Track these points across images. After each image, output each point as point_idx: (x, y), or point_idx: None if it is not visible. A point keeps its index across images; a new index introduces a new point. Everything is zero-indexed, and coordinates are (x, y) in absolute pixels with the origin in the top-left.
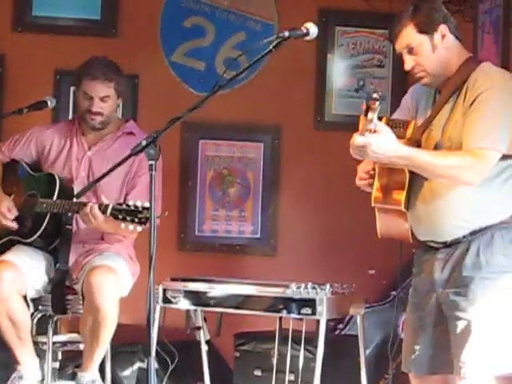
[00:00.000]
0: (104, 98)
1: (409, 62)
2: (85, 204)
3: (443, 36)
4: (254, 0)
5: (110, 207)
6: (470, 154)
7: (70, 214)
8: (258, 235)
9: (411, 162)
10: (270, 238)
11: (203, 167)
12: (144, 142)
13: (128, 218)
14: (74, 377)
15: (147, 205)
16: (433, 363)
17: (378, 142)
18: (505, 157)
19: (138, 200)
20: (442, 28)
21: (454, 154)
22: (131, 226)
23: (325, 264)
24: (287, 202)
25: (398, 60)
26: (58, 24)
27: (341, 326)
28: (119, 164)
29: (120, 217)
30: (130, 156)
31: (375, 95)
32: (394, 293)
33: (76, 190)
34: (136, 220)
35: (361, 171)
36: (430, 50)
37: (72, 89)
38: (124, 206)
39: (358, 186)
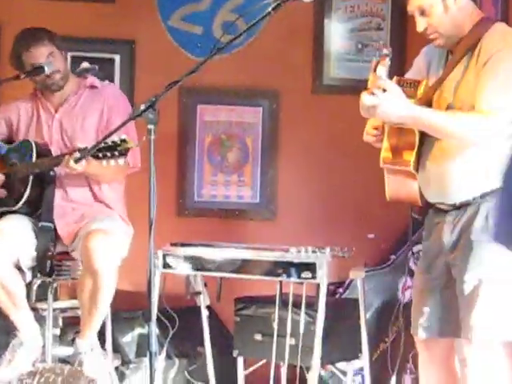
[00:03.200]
0: (49, 55)
1: (421, 24)
2: (65, 154)
3: None
4: None
5: (88, 149)
6: (482, 114)
7: (52, 175)
8: (257, 200)
9: (422, 121)
10: (270, 202)
11: (201, 132)
12: (143, 107)
13: (108, 154)
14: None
15: (123, 136)
16: (441, 326)
17: (388, 101)
18: None
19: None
20: None
21: (465, 114)
22: (112, 161)
23: (324, 228)
24: (286, 167)
25: (397, 23)
26: None
27: (341, 290)
28: (123, 124)
29: (100, 155)
30: (129, 120)
31: (385, 51)
32: (393, 256)
33: (54, 153)
34: (116, 154)
35: (369, 126)
36: (443, 10)
37: (69, 54)
38: (101, 144)
39: (367, 141)
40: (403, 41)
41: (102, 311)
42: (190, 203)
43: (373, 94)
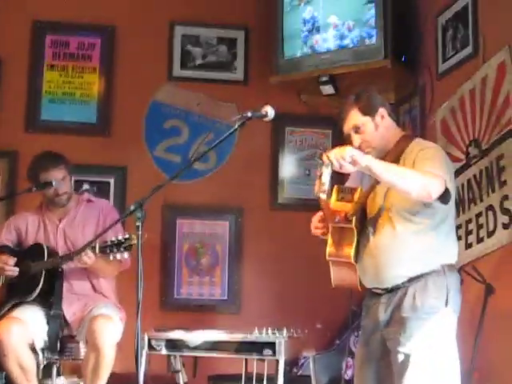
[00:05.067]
0: (62, 179)
1: (356, 140)
2: (78, 251)
3: (382, 117)
4: (220, 107)
5: (98, 246)
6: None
7: (60, 270)
8: (226, 297)
9: (389, 167)
10: (236, 298)
11: (180, 241)
12: (132, 207)
13: (115, 250)
14: None
15: (127, 235)
16: None
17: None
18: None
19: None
20: (381, 110)
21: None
22: (118, 255)
23: (281, 320)
24: (249, 269)
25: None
26: (61, 126)
27: (295, 369)
28: (109, 227)
29: (108, 250)
30: (122, 218)
31: (325, 160)
32: (337, 342)
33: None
34: (122, 249)
35: (314, 221)
36: (373, 128)
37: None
38: (108, 242)
39: (314, 235)
40: None
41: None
42: (171, 300)
43: (320, 195)
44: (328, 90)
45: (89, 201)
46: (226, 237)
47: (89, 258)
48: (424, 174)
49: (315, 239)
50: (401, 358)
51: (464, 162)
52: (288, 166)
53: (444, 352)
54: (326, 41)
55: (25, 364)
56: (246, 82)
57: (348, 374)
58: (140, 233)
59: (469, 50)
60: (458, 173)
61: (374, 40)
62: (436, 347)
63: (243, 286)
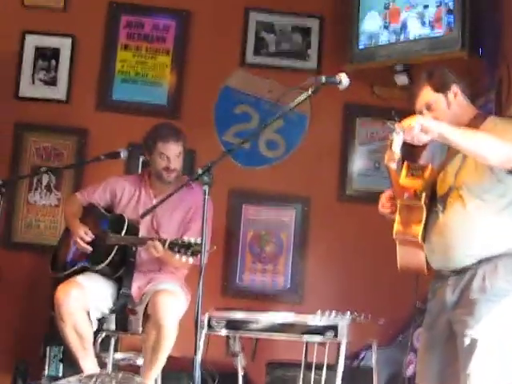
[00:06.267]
0: (178, 155)
1: None
2: (149, 239)
3: (455, 94)
4: (292, 95)
5: (168, 242)
6: None
7: (133, 249)
8: (288, 286)
9: (465, 132)
10: (298, 288)
11: (245, 227)
12: (200, 171)
13: (182, 251)
14: None
15: (198, 241)
16: (442, 375)
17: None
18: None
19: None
20: (454, 87)
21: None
22: (184, 258)
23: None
24: (313, 260)
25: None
26: (132, 106)
27: (356, 361)
28: (173, 192)
29: (176, 249)
30: (186, 184)
31: (396, 128)
32: (400, 337)
33: (141, 231)
34: (189, 253)
35: (384, 199)
36: (446, 106)
37: (141, 158)
38: (179, 241)
39: (382, 214)
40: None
41: (162, 360)
42: (233, 285)
43: (390, 164)
44: (402, 80)
45: (189, 186)
46: (291, 225)
47: (156, 250)
48: (504, 141)
49: (382, 232)
50: (468, 341)
51: None
52: (358, 158)
53: None
54: (403, 30)
55: (81, 330)
56: (318, 71)
57: (409, 371)
58: (207, 196)
59: None
60: None
61: (451, 30)
62: (505, 332)
63: (307, 276)
